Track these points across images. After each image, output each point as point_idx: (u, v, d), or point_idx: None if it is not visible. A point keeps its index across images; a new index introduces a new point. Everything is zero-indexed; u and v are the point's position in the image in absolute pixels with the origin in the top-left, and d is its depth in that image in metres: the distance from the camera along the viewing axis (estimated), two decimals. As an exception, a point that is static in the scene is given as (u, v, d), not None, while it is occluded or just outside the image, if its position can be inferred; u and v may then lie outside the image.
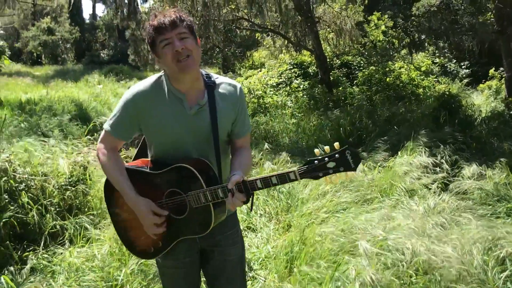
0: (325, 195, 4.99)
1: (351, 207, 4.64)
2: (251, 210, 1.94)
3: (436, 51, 11.03)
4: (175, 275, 2.26)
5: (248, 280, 3.71)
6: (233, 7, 8.97)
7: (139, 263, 3.52)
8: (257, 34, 13.36)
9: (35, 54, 34.77)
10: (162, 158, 2.06)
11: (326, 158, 1.76)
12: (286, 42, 11.61)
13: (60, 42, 34.11)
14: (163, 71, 2.07)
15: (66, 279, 3.41)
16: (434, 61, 12.49)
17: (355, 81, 11.38)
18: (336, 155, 1.75)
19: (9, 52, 32.60)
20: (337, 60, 12.87)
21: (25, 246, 3.98)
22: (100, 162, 2.11)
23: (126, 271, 3.40)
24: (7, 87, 18.33)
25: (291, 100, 11.16)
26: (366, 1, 10.99)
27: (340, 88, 10.93)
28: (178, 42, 1.89)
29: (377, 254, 3.36)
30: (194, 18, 8.79)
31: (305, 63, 13.23)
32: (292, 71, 13.19)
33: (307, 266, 3.46)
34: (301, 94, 11.03)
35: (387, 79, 10.22)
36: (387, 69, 10.59)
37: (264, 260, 4.01)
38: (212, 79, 2.09)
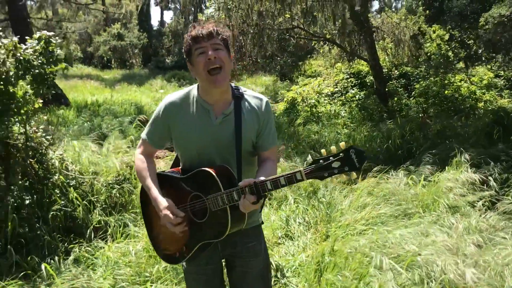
0: (365, 207, 4.94)
1: (390, 221, 4.57)
2: (260, 211, 1.96)
3: (499, 64, 10.48)
4: (197, 281, 2.34)
5: (280, 286, 3.75)
6: (288, 16, 9.06)
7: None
8: (314, 43, 13.36)
9: (105, 58, 36.62)
10: (189, 165, 2.16)
11: (331, 158, 1.75)
12: (340, 51, 11.51)
13: (129, 47, 35.69)
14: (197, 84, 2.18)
15: (103, 272, 3.62)
16: (499, 75, 11.90)
17: (413, 92, 11.09)
18: (341, 154, 1.74)
19: (82, 56, 34.56)
20: (396, 71, 12.59)
21: (71, 238, 4.25)
22: (135, 166, 2.27)
23: (158, 268, 3.55)
24: (76, 89, 19.41)
25: (345, 110, 11.07)
26: (428, 12, 10.67)
27: (396, 100, 10.69)
28: (211, 51, 1.99)
29: (406, 269, 3.31)
30: (248, 27, 8.99)
31: (362, 73, 13.06)
32: (349, 80, 13.06)
33: (334, 276, 3.47)
34: (355, 104, 10.90)
35: (446, 92, 9.88)
36: (446, 81, 10.23)
37: (297, 268, 4.03)
38: (240, 91, 2.17)
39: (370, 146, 7.84)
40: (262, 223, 2.36)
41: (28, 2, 17.23)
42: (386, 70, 12.37)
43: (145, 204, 2.31)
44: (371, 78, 12.29)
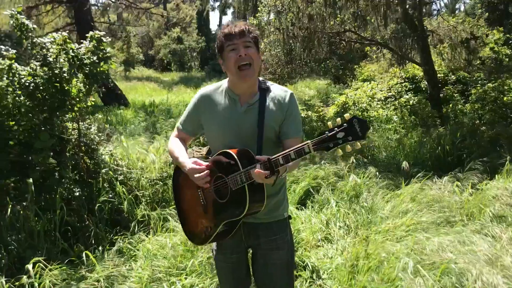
0: (407, 213, 4.86)
1: (431, 228, 4.47)
2: (273, 185, 2.01)
3: None
4: (225, 269, 2.49)
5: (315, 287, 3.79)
6: (339, 20, 9.01)
7: (207, 256, 3.79)
8: (367, 48, 13.17)
9: (165, 61, 37.80)
10: (216, 151, 2.29)
11: (335, 129, 1.80)
12: (393, 55, 11.27)
13: (187, 50, 36.66)
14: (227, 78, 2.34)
15: (143, 263, 3.80)
16: None
17: (469, 98, 10.67)
18: (345, 125, 1.78)
19: (143, 59, 35.76)
20: (452, 76, 12.15)
21: (117, 230, 4.49)
22: (168, 144, 2.45)
23: (194, 261, 3.69)
24: (136, 91, 20.21)
25: (397, 115, 10.83)
26: (488, 14, 10.25)
27: (451, 105, 10.32)
28: (242, 49, 2.14)
29: (440, 276, 3.25)
30: (299, 31, 9.02)
31: (417, 77, 12.71)
32: (403, 85, 12.75)
33: (365, 279, 3.46)
34: (408, 110, 10.63)
35: (505, 98, 9.43)
36: (506, 87, 9.76)
37: (333, 270, 4.04)
38: (267, 84, 2.30)
39: (419, 153, 7.64)
40: (290, 217, 2.42)
41: (93, 7, 18.13)
42: (442, 75, 11.97)
43: (177, 188, 2.47)
44: (426, 82, 11.95)
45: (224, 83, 2.33)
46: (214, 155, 2.31)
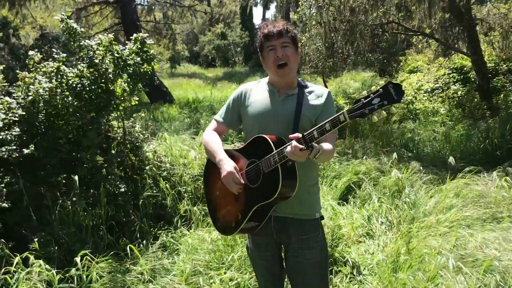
0: (451, 209, 4.74)
1: (476, 224, 4.34)
2: (307, 158, 2.02)
3: None
4: (259, 265, 2.57)
5: (355, 284, 3.78)
6: (381, 11, 8.84)
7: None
8: (412, 38, 12.82)
9: (209, 57, 38.27)
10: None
11: (371, 95, 1.82)
12: (438, 46, 10.92)
13: (231, 46, 36.94)
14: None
15: (185, 256, 3.92)
16: None
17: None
18: (380, 90, 1.81)
19: (188, 55, 36.37)
20: (504, 66, 11.64)
21: (161, 225, 4.64)
22: (203, 137, 2.54)
23: (233, 256, 3.76)
24: (181, 87, 20.60)
25: (444, 107, 10.52)
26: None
27: (502, 96, 9.91)
28: (280, 49, 2.27)
29: (483, 274, 3.17)
30: (340, 24, 8.91)
31: (465, 68, 12.27)
32: (450, 76, 12.35)
33: (406, 276, 3.42)
34: (455, 101, 10.30)
35: None
36: None
37: (374, 266, 4.02)
38: (306, 83, 2.41)
39: (466, 146, 7.41)
40: (322, 218, 2.43)
41: (139, 7, 18.60)
42: (493, 65, 11.50)
43: (208, 178, 2.55)
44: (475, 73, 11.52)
45: (264, 80, 2.47)
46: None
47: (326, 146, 2.15)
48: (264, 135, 2.18)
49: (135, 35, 4.70)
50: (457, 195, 5.04)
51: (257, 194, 2.21)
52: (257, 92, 2.42)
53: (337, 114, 1.90)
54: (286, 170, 2.11)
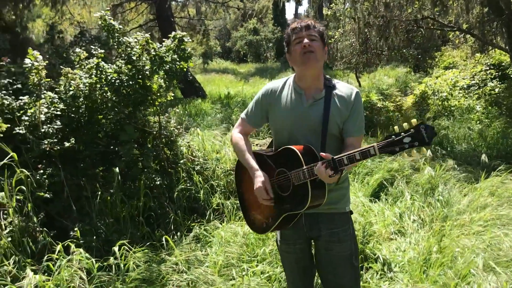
0: (485, 208, 4.67)
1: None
2: (336, 184, 2.09)
3: None
4: (289, 259, 2.60)
5: (386, 280, 3.79)
6: (417, 6, 8.69)
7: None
8: (449, 33, 12.55)
9: (241, 53, 38.41)
10: (279, 145, 2.40)
11: (402, 133, 1.83)
12: (475, 41, 10.65)
13: (263, 41, 36.96)
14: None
15: (217, 249, 4.02)
16: None
17: None
18: (412, 130, 1.81)
19: (221, 51, 36.60)
20: (546, 61, 11.24)
21: (194, 218, 4.76)
22: (232, 142, 2.58)
23: (265, 249, 3.84)
24: (214, 82, 20.79)
25: (481, 104, 10.27)
26: None
27: (543, 93, 9.62)
28: (306, 40, 2.25)
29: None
30: (374, 19, 8.83)
31: (504, 64, 11.92)
32: (488, 72, 12.03)
33: (437, 274, 3.42)
34: (493, 98, 10.04)
35: None
36: None
37: (405, 264, 4.01)
38: (333, 82, 2.37)
39: (501, 144, 7.24)
40: (351, 212, 2.45)
41: (173, 3, 18.85)
42: (534, 61, 11.13)
43: (240, 180, 2.61)
44: (515, 69, 11.20)
45: (290, 78, 2.43)
46: (277, 148, 2.41)
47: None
48: (293, 147, 2.20)
49: (173, 33, 4.81)
50: (492, 193, 4.96)
51: (287, 203, 2.26)
52: (284, 94, 2.39)
53: (368, 146, 1.91)
54: (316, 184, 2.14)
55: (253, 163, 2.38)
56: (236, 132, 2.58)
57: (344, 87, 2.35)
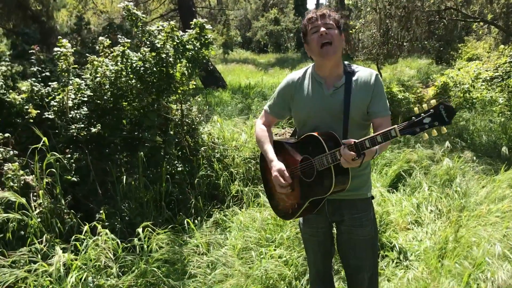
0: (503, 200, 4.69)
1: (531, 214, 4.29)
2: (359, 167, 2.15)
3: None
4: (311, 241, 2.69)
5: (402, 269, 3.85)
6: (439, -4, 8.62)
7: (296, 231, 4.02)
8: (473, 25, 12.37)
9: (262, 43, 38.33)
10: (302, 133, 2.47)
11: (422, 114, 1.88)
12: (500, 33, 10.48)
13: (284, 31, 36.82)
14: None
15: (236, 233, 4.14)
16: None
17: None
18: (431, 110, 1.86)
19: (241, 41, 36.57)
20: None
21: (214, 204, 4.88)
22: (255, 133, 2.67)
23: (282, 235, 3.94)
24: (234, 72, 20.84)
25: (504, 97, 10.13)
26: None
27: None
28: (323, 28, 2.29)
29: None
30: (396, 10, 8.77)
31: (528, 56, 11.71)
32: (512, 64, 11.83)
33: (453, 264, 3.47)
34: (514, 90, 9.90)
35: None
36: None
37: (421, 253, 4.07)
38: (352, 67, 2.42)
39: (523, 137, 7.18)
40: (373, 198, 2.53)
41: (195, -8, 18.92)
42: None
43: (264, 170, 2.68)
44: (540, 62, 10.98)
45: (310, 68, 2.48)
46: (299, 134, 2.48)
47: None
48: (315, 134, 2.26)
49: (195, 20, 4.90)
50: (510, 186, 4.96)
51: (312, 189, 2.33)
52: (305, 84, 2.44)
53: (389, 128, 1.97)
54: (339, 169, 2.19)
55: (271, 153, 2.47)
56: (259, 123, 2.67)
57: (363, 71, 2.39)
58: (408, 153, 6.37)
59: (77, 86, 4.61)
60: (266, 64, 27.15)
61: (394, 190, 5.53)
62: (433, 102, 1.87)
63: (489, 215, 4.38)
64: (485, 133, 7.95)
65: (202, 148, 5.10)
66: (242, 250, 3.82)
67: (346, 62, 2.44)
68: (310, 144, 2.30)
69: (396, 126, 1.95)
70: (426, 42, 11.23)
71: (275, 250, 3.77)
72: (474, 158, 6.05)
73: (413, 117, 1.91)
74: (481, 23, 11.05)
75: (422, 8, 8.75)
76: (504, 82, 11.00)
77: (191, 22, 4.96)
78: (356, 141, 2.05)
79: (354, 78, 2.35)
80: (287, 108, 2.54)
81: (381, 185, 5.55)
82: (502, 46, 12.46)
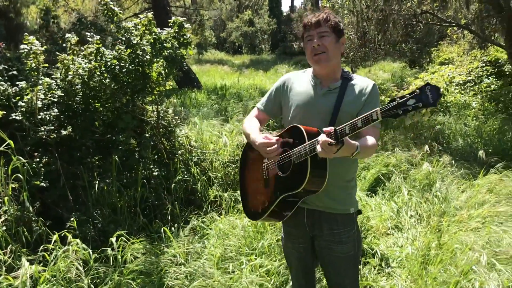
0: (483, 205, 4.68)
1: (510, 221, 4.28)
2: (335, 152, 1.95)
3: None
4: (292, 256, 2.59)
5: (384, 276, 3.78)
6: (416, 1, 8.65)
7: (276, 239, 3.89)
8: (447, 29, 12.53)
9: (236, 44, 38.23)
10: None
11: (406, 95, 1.74)
12: (473, 37, 10.64)
13: (258, 33, 36.81)
14: None
15: (215, 241, 3.98)
16: None
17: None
18: (417, 91, 1.72)
19: (215, 42, 36.41)
20: (541, 59, 11.28)
21: (191, 209, 4.71)
22: (243, 123, 2.56)
23: (263, 243, 3.80)
24: (209, 73, 20.67)
25: (477, 101, 10.30)
26: None
27: (538, 91, 9.65)
28: (316, 39, 2.22)
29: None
30: (373, 13, 8.77)
31: (500, 61, 11.95)
32: (484, 69, 12.05)
33: (437, 271, 3.40)
34: (488, 95, 10.07)
35: None
36: None
37: (403, 259, 4.00)
38: (351, 75, 2.34)
39: (499, 141, 7.25)
40: (360, 212, 2.40)
41: (169, -9, 18.66)
42: (530, 58, 11.16)
43: (243, 164, 2.60)
44: (510, 66, 11.20)
45: (309, 70, 2.43)
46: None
47: (367, 141, 2.09)
48: (298, 125, 2.16)
49: (173, 18, 4.74)
50: (490, 190, 4.97)
51: (285, 184, 2.22)
52: (301, 83, 2.38)
53: (370, 111, 1.83)
54: (316, 163, 2.07)
55: (254, 134, 2.33)
56: (248, 116, 2.59)
57: (361, 80, 2.32)
58: (387, 156, 6.34)
59: (47, 86, 4.37)
60: (241, 65, 27.07)
61: (373, 194, 5.47)
62: (419, 82, 1.73)
63: (470, 221, 4.36)
64: (461, 136, 8.01)
65: (179, 152, 4.92)
66: (222, 259, 3.66)
67: (345, 70, 2.38)
68: (292, 136, 2.20)
69: (378, 108, 1.81)
70: (403, 45, 11.32)
71: (256, 259, 3.63)
72: (452, 162, 6.05)
73: (397, 99, 1.76)
74: (455, 28, 11.18)
75: (399, 11, 8.77)
76: (477, 86, 11.20)
77: (169, 20, 4.79)
78: (337, 128, 1.91)
79: (350, 84, 2.29)
80: (280, 107, 2.48)
81: (360, 189, 5.49)
82: (474, 51, 12.69)
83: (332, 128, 1.91)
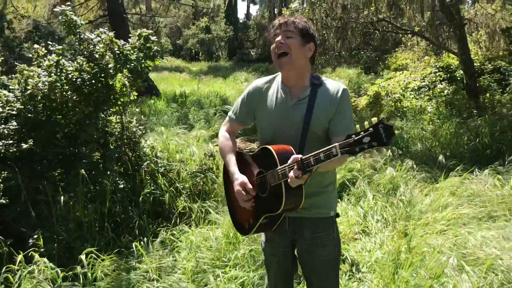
0: (447, 207, 4.82)
1: (472, 222, 4.42)
2: (304, 184, 1.99)
3: None
4: (271, 261, 2.57)
5: (355, 281, 3.81)
6: (373, 9, 8.89)
7: (249, 249, 3.86)
8: (401, 36, 12.93)
9: (193, 51, 37.97)
10: (262, 143, 2.36)
11: (362, 133, 1.74)
12: (428, 44, 11.04)
13: (215, 40, 36.72)
14: None
15: (187, 254, 3.90)
16: None
17: (507, 88, 10.37)
18: (370, 129, 1.71)
19: (172, 49, 36.02)
20: (489, 65, 11.82)
21: (159, 222, 4.61)
22: (219, 142, 2.52)
23: (237, 254, 3.76)
24: (167, 81, 20.40)
25: (432, 106, 10.64)
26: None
27: (488, 95, 10.08)
28: (281, 37, 2.20)
29: (485, 273, 3.24)
30: (332, 21, 8.94)
31: (452, 67, 12.42)
32: (437, 74, 12.48)
33: (409, 274, 3.46)
34: (442, 100, 10.44)
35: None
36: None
37: (373, 264, 4.05)
38: (320, 80, 2.30)
39: (456, 144, 7.52)
40: (338, 216, 2.41)
41: (125, -1, 18.35)
42: (479, 64, 11.66)
43: (227, 182, 2.54)
44: (462, 72, 11.67)
45: (278, 77, 2.38)
46: (261, 144, 2.37)
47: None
48: (270, 147, 2.15)
49: (139, 30, 4.65)
50: (452, 193, 5.12)
51: (265, 205, 2.21)
52: (271, 92, 2.34)
53: (330, 147, 1.85)
54: (290, 187, 2.07)
55: (233, 166, 2.33)
56: (222, 130, 2.53)
57: (331, 84, 2.28)
58: (350, 162, 6.43)
59: (5, 99, 4.17)
60: (199, 72, 26.89)
61: (339, 199, 5.54)
62: (374, 119, 1.73)
63: (435, 223, 4.47)
64: (419, 140, 8.24)
65: (145, 163, 4.81)
66: (195, 272, 3.59)
67: (314, 74, 2.32)
68: (266, 157, 2.17)
69: (337, 144, 1.82)
70: (362, 52, 11.57)
71: (230, 270, 3.58)
72: (414, 166, 6.22)
73: (352, 136, 1.77)
74: (409, 35, 11.55)
75: (357, 19, 8.98)
76: (431, 91, 11.58)
77: (134, 32, 4.69)
78: (303, 157, 1.94)
79: (320, 91, 2.25)
80: (252, 115, 2.44)
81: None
82: (427, 57, 13.14)
83: (298, 157, 1.94)
